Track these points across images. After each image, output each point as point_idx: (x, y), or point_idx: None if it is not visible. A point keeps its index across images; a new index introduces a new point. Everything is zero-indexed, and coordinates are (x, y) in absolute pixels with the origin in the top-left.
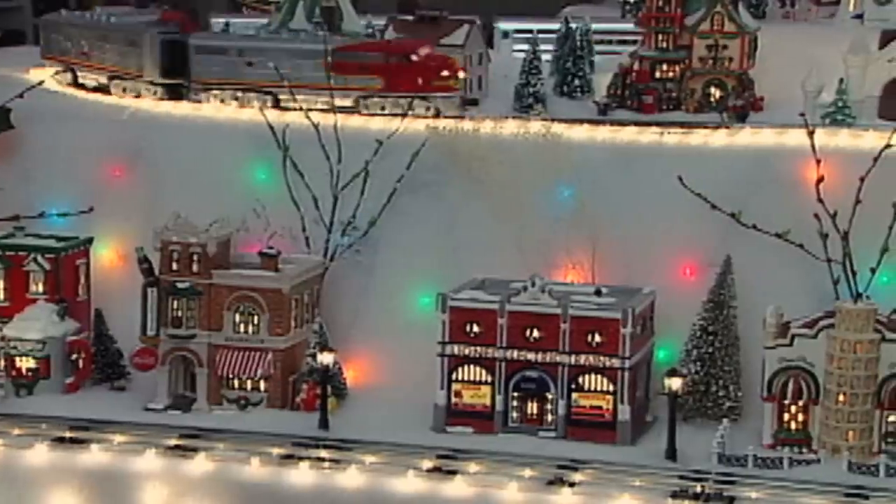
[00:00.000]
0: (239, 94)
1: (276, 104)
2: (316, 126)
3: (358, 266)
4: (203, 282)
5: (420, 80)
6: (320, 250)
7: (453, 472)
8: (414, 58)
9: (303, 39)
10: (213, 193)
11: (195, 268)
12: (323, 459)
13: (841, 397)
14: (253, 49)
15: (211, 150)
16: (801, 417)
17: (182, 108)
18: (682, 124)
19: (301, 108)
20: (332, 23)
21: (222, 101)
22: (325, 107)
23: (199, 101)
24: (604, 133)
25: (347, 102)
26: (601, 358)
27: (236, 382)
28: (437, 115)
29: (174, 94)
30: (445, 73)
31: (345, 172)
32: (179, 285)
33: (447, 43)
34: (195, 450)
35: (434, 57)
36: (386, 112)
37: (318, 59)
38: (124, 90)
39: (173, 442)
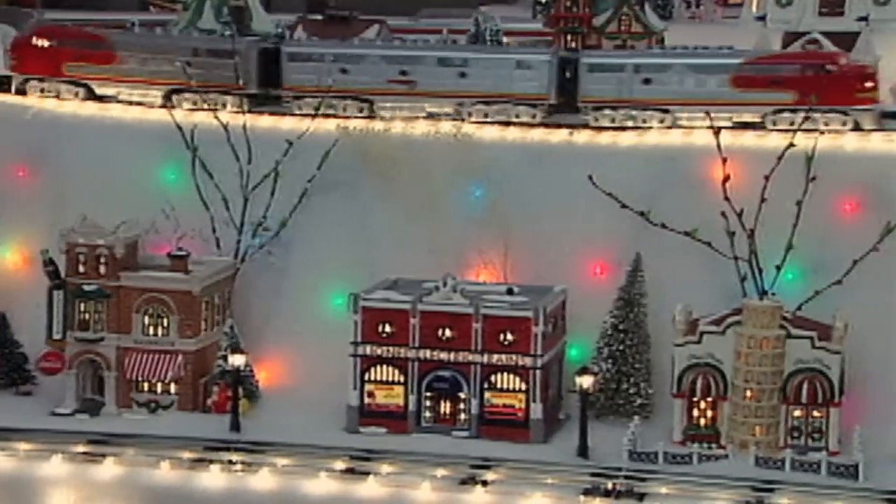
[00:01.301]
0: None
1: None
2: (225, 126)
3: (270, 267)
4: (111, 284)
5: (839, 92)
6: (231, 251)
7: (366, 473)
8: (832, 68)
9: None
10: (120, 195)
11: (102, 270)
12: (234, 462)
13: (748, 393)
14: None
15: (118, 150)
16: (710, 414)
17: (88, 109)
18: (590, 126)
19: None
20: (241, 22)
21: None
22: (728, 124)
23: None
24: (514, 133)
25: (751, 118)
26: (513, 357)
27: (146, 385)
28: (856, 128)
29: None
30: (869, 84)
31: (256, 173)
32: (86, 288)
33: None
34: (104, 454)
35: (853, 67)
36: (794, 127)
37: (723, 74)
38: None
39: (81, 447)
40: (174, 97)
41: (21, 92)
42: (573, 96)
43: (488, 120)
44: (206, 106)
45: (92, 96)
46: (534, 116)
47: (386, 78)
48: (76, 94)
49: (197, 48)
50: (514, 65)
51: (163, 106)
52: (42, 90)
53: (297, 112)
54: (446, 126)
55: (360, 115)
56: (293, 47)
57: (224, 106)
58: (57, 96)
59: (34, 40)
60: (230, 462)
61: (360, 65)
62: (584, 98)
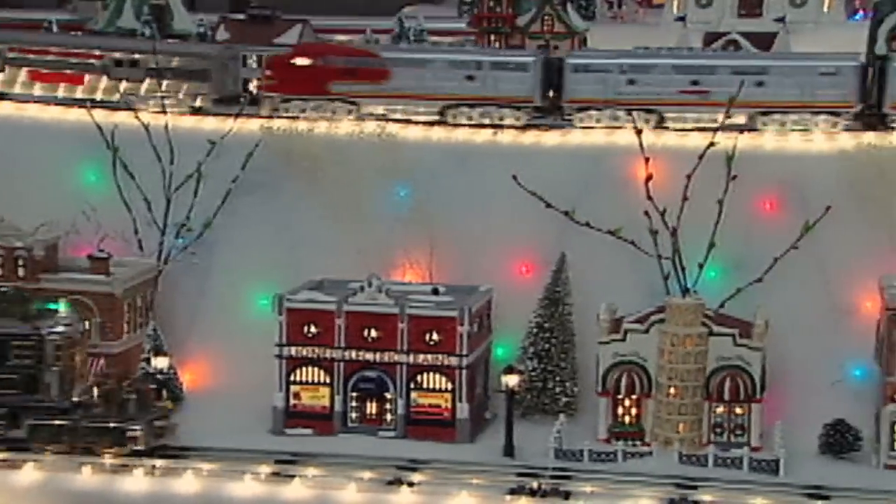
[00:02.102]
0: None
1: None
2: (146, 127)
3: (193, 268)
4: (30, 286)
5: None
6: (154, 253)
7: (291, 476)
8: None
9: None
10: (40, 196)
11: (21, 272)
12: (156, 467)
13: (672, 390)
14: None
15: (37, 151)
16: (634, 411)
17: (4, 109)
18: (514, 125)
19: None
20: (163, 21)
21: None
22: None
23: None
24: (439, 133)
25: None
26: (439, 357)
27: None
28: None
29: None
30: None
31: (178, 174)
32: (4, 290)
33: (280, 42)
34: (24, 460)
35: None
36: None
37: None
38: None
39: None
40: (449, 112)
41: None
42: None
43: (787, 129)
44: (485, 121)
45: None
46: (835, 125)
47: (677, 89)
48: (348, 113)
49: (480, 61)
50: (818, 72)
51: (82, 106)
52: (303, 110)
53: (579, 125)
54: (371, 126)
55: (646, 126)
56: (578, 58)
57: (501, 119)
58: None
59: (295, 59)
60: (153, 467)
61: (650, 75)
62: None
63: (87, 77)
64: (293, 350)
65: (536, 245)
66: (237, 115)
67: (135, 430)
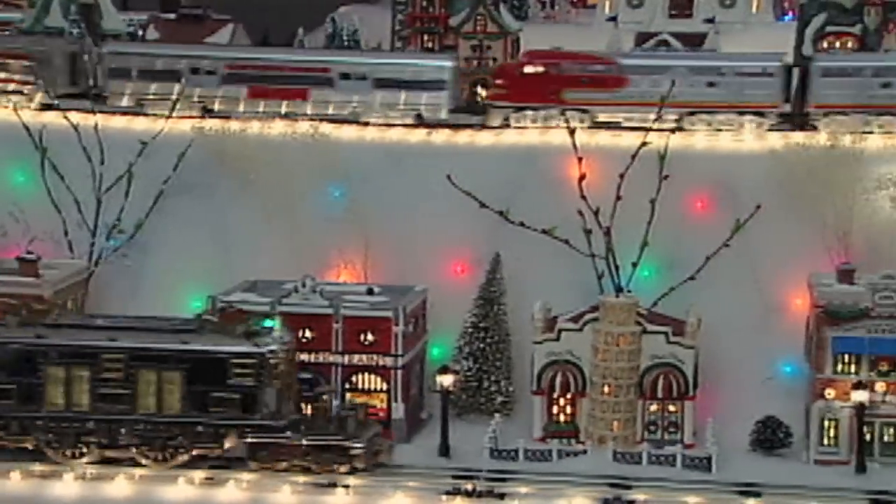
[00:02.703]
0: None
1: None
2: (75, 127)
3: (125, 270)
4: None
5: None
6: (85, 254)
7: (226, 479)
8: None
9: None
10: None
11: None
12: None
13: (606, 389)
14: None
15: None
16: (569, 410)
17: None
18: (449, 124)
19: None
20: (91, 20)
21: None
22: None
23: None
24: (372, 132)
25: None
26: (374, 357)
27: None
28: None
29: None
30: None
31: (109, 174)
32: None
33: (212, 42)
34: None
35: None
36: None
37: None
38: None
39: None
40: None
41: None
42: None
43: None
44: (723, 128)
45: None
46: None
47: None
48: (580, 122)
49: (723, 67)
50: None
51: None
52: (534, 120)
53: (825, 130)
54: (304, 126)
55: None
56: (826, 62)
57: (741, 127)
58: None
59: (526, 68)
60: (84, 471)
61: None
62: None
63: None
64: None
65: (471, 245)
66: (168, 116)
67: (357, 448)
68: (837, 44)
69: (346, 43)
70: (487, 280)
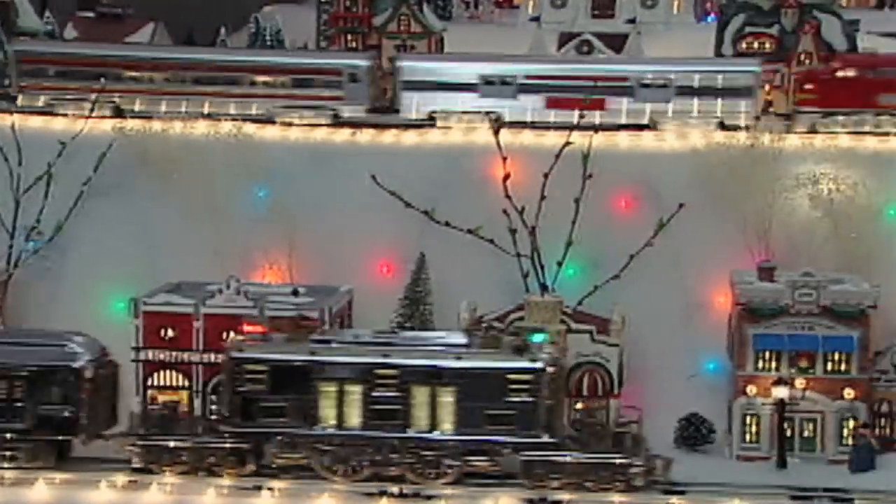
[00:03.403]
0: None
1: None
2: None
3: (46, 272)
4: None
5: None
6: (3, 257)
7: (149, 484)
8: None
9: None
10: None
11: None
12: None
13: None
14: None
15: None
16: None
17: None
18: (374, 124)
19: None
20: (8, 19)
21: None
22: None
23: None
24: (297, 133)
25: None
26: None
27: None
28: None
29: None
30: None
31: (28, 175)
32: None
33: (132, 41)
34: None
35: None
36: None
37: None
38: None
39: None
40: None
41: None
42: None
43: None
44: None
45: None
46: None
47: None
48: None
49: None
50: None
51: None
52: (844, 125)
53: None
54: (227, 126)
55: None
56: None
57: None
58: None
59: (840, 72)
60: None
61: None
62: None
63: None
64: (150, 354)
65: (397, 245)
66: (88, 116)
67: (637, 466)
68: (756, 44)
69: (269, 43)
70: (413, 280)
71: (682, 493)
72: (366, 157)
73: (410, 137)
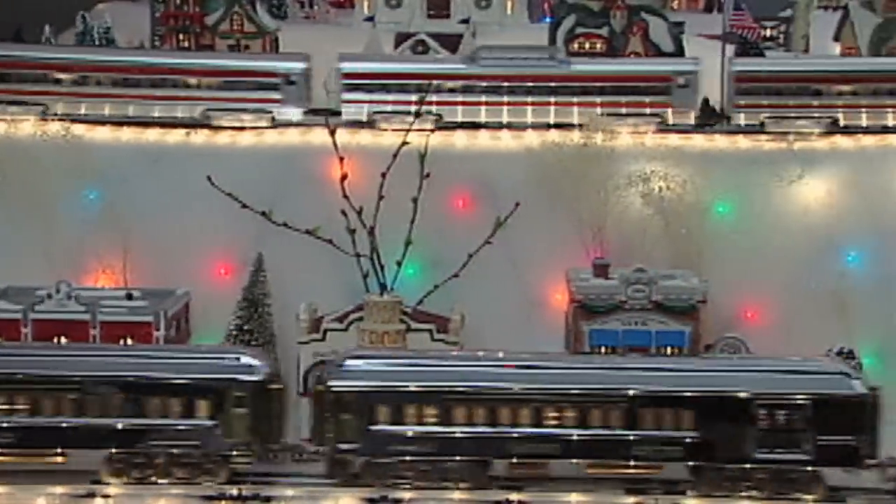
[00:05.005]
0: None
1: None
2: None
3: None
4: None
5: None
6: None
7: None
8: None
9: None
10: None
11: None
12: None
13: None
14: None
15: None
16: None
17: None
18: (209, 125)
19: None
20: None
21: None
22: None
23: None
24: (128, 134)
25: None
26: None
27: None
28: None
29: None
30: None
31: None
32: None
33: None
34: None
35: None
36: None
37: None
38: None
39: None
40: None
41: None
42: None
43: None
44: None
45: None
46: None
47: None
48: None
49: None
50: None
51: None
52: None
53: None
54: (55, 126)
55: None
56: None
57: None
58: None
59: None
60: None
61: None
62: None
63: None
64: None
65: (235, 247)
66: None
67: None
68: (587, 45)
69: (97, 42)
70: (251, 282)
71: (518, 489)
72: (201, 157)
73: (247, 138)
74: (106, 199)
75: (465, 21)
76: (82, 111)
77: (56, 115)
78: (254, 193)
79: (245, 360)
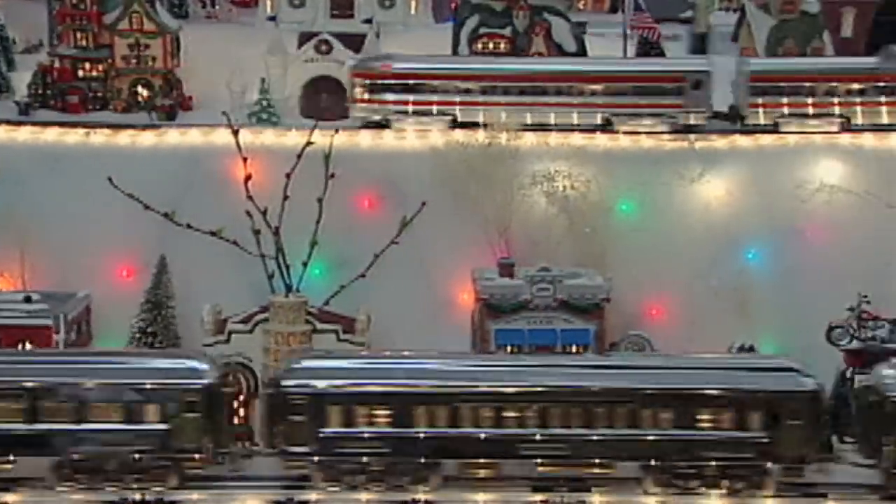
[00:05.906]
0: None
1: None
2: None
3: None
4: None
5: None
6: None
7: None
8: None
9: None
10: None
11: None
12: None
13: None
14: None
15: None
16: (242, 412)
17: None
18: (109, 125)
19: None
20: None
21: None
22: None
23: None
24: (25, 134)
25: None
26: None
27: None
28: None
29: None
30: None
31: None
32: None
33: None
34: None
35: None
36: None
37: None
38: None
39: None
40: None
41: None
42: None
43: None
44: None
45: None
46: None
47: None
48: None
49: None
50: None
51: None
52: None
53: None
54: None
55: None
56: None
57: None
58: None
59: None
60: None
61: None
62: None
63: None
64: None
65: (137, 248)
66: None
67: None
68: (491, 45)
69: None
70: (154, 284)
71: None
72: (102, 158)
73: (148, 138)
74: (2, 201)
75: (369, 21)
76: None
77: None
78: (156, 194)
79: (192, 364)
